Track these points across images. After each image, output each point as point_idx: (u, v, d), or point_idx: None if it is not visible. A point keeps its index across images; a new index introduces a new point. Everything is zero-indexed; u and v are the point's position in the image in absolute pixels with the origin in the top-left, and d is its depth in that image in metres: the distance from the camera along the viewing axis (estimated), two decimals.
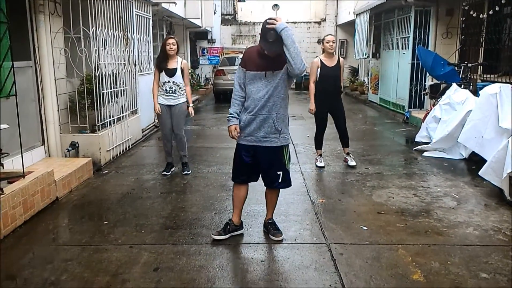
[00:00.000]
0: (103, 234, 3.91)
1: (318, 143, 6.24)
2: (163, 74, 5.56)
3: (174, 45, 5.53)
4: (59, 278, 3.16)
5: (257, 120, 3.56)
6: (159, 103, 5.63)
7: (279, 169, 3.68)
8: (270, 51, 3.42)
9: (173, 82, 5.55)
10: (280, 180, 3.71)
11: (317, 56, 6.07)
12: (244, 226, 3.99)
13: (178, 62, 5.60)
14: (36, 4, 5.40)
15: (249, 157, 3.67)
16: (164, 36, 12.57)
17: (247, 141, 3.64)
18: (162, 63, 5.57)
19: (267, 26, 3.36)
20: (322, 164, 6.11)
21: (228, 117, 3.70)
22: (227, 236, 3.78)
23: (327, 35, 5.99)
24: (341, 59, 5.98)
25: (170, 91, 5.56)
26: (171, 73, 5.54)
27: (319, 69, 5.86)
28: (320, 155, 6.24)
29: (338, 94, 6.04)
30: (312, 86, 6.01)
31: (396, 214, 4.34)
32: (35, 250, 3.62)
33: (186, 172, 5.80)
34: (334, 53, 5.95)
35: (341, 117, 6.11)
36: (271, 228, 3.81)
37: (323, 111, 6.05)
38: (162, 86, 5.58)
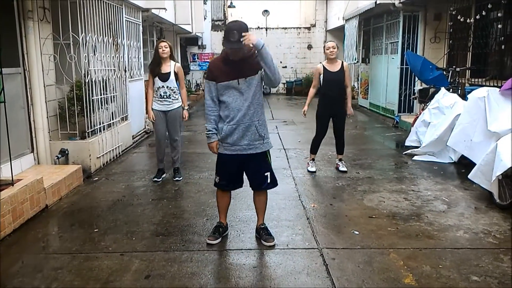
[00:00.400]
0: (94, 242, 3.87)
1: (314, 148, 6.23)
2: (156, 79, 5.51)
3: (166, 47, 5.49)
4: (49, 286, 3.12)
5: (239, 129, 3.55)
6: (154, 109, 5.59)
7: (266, 170, 3.72)
8: (231, 50, 3.40)
9: (167, 87, 5.51)
10: (268, 181, 3.74)
11: (320, 63, 6.06)
12: (236, 231, 4.01)
13: (172, 66, 5.54)
14: (25, 11, 5.36)
15: (235, 166, 3.69)
16: (155, 42, 12.55)
17: (230, 151, 3.63)
18: (156, 68, 5.52)
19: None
20: (313, 169, 6.12)
21: (207, 133, 3.70)
22: (221, 238, 3.84)
23: (327, 42, 6.03)
24: (345, 63, 5.94)
25: (165, 96, 5.53)
26: (165, 77, 5.49)
27: (321, 75, 5.88)
28: (313, 159, 6.26)
29: (342, 100, 5.97)
30: (311, 91, 6.07)
31: (387, 218, 4.36)
32: (24, 259, 3.57)
33: (177, 178, 5.78)
34: (337, 58, 5.95)
35: (340, 123, 6.07)
36: (263, 234, 3.81)
37: (325, 116, 6.04)
38: (157, 91, 5.54)
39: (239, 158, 3.64)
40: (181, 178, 5.80)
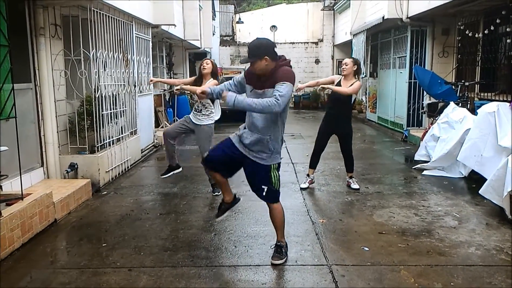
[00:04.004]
0: (102, 257, 3.86)
1: (311, 162, 6.07)
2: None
3: (208, 64, 5.54)
4: None
5: (253, 137, 3.57)
6: (188, 116, 5.67)
7: (264, 183, 3.63)
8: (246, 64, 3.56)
9: (200, 102, 5.54)
10: (264, 194, 3.65)
11: (340, 74, 5.87)
12: (244, 247, 3.98)
13: (207, 84, 5.50)
14: (37, 27, 5.46)
15: (231, 151, 3.65)
16: (164, 57, 12.69)
17: (240, 147, 3.63)
18: (196, 83, 5.60)
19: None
20: (304, 186, 5.95)
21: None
22: (225, 214, 3.92)
23: (345, 59, 5.87)
24: (357, 83, 5.59)
25: (198, 109, 5.58)
26: None
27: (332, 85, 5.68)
28: (308, 175, 6.07)
29: (346, 120, 5.82)
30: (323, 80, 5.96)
31: (398, 234, 4.31)
32: (32, 274, 3.57)
33: (216, 193, 5.70)
34: (353, 76, 5.66)
35: (346, 143, 5.92)
36: (273, 250, 3.76)
37: (324, 132, 5.96)
38: (194, 103, 5.64)
39: (243, 156, 3.63)
40: (220, 193, 5.68)
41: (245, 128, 3.67)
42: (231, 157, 3.67)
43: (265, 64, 3.46)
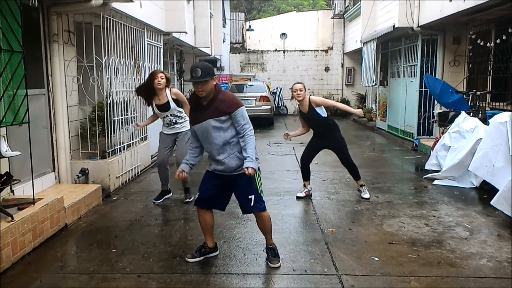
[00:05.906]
0: (111, 263, 3.88)
1: (303, 175, 6.04)
2: (156, 110, 5.56)
3: (162, 78, 5.41)
4: None
5: (222, 163, 3.68)
6: (162, 132, 5.69)
7: (250, 191, 3.70)
8: (194, 84, 3.53)
9: (171, 115, 5.52)
10: (252, 204, 3.70)
11: (297, 104, 5.87)
12: (253, 255, 3.97)
13: (168, 95, 5.46)
14: (50, 34, 5.54)
15: (217, 180, 3.79)
16: (175, 64, 12.77)
17: (217, 171, 3.77)
18: (148, 97, 5.51)
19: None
20: (300, 195, 5.90)
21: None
22: (202, 258, 3.89)
23: (294, 84, 5.69)
24: (311, 98, 5.59)
25: (171, 123, 5.57)
26: (165, 108, 5.46)
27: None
28: (304, 185, 6.02)
29: (330, 133, 5.80)
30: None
31: (408, 244, 4.27)
32: (43, 278, 3.60)
33: (187, 200, 5.72)
34: (308, 99, 5.61)
35: (341, 154, 5.90)
36: (269, 254, 3.80)
37: (312, 146, 5.98)
38: (163, 119, 5.60)
39: (224, 177, 3.75)
40: (190, 199, 5.67)
41: (212, 159, 3.77)
42: (217, 184, 3.80)
43: (213, 85, 3.56)
